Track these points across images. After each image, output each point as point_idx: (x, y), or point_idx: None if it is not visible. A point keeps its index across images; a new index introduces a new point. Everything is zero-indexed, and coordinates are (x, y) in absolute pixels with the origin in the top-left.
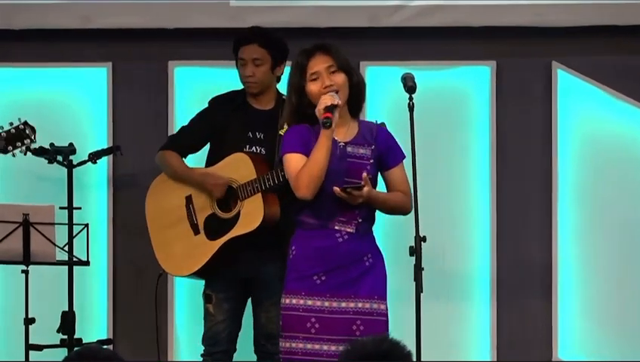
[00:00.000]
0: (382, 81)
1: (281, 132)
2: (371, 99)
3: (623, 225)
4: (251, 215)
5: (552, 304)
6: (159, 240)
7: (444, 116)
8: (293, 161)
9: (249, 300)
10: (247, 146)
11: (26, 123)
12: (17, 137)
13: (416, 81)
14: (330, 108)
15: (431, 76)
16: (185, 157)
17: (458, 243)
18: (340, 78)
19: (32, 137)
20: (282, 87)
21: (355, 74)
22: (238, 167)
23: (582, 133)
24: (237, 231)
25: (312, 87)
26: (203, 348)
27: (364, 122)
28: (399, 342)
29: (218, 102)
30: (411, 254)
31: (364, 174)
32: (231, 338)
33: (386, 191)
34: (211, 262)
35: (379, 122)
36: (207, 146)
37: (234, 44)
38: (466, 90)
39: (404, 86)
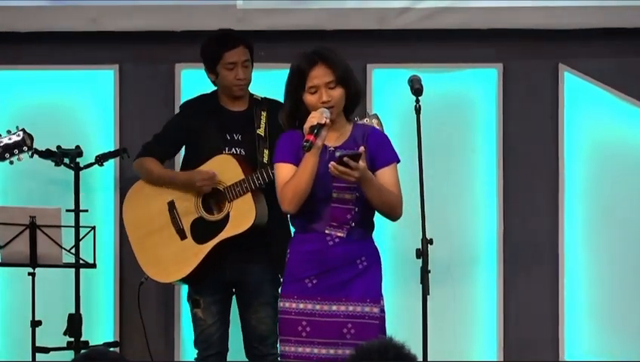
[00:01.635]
0: (389, 83)
1: (259, 131)
2: (378, 101)
3: (630, 226)
4: (242, 215)
5: (559, 304)
6: (142, 248)
7: (451, 118)
8: (282, 171)
9: (234, 299)
10: (227, 148)
11: (24, 130)
12: (15, 145)
13: (423, 83)
14: (315, 129)
15: (438, 79)
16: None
17: (465, 245)
18: (338, 93)
19: (30, 144)
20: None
21: (354, 85)
22: (224, 169)
23: (589, 136)
24: (228, 232)
25: (310, 99)
26: (196, 351)
27: (359, 126)
28: (404, 347)
29: (191, 106)
30: (418, 256)
31: (362, 148)
32: (223, 340)
33: None
34: (200, 266)
35: (371, 114)
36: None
37: (214, 49)
38: (473, 92)
39: (411, 88)
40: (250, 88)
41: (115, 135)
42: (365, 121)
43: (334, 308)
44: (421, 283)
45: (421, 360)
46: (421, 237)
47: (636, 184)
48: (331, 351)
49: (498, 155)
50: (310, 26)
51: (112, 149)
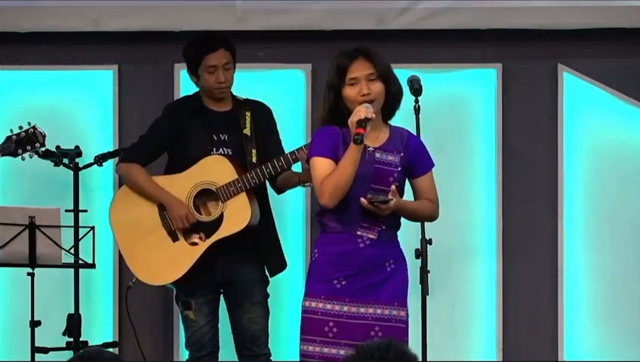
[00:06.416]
0: None
1: (245, 131)
2: None
3: (629, 227)
4: (238, 214)
5: (559, 304)
6: (132, 252)
7: (450, 118)
8: (320, 166)
9: (221, 298)
10: (214, 149)
11: (35, 127)
12: (27, 141)
13: (422, 83)
14: (363, 123)
15: (437, 79)
16: (146, 166)
17: (464, 246)
18: (378, 87)
19: (42, 141)
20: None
21: (394, 82)
22: (216, 169)
23: (588, 136)
24: (223, 232)
25: (349, 92)
26: (187, 352)
27: (396, 128)
28: (404, 346)
29: (176, 108)
30: (417, 257)
31: (393, 187)
32: (214, 340)
33: (413, 198)
34: (193, 268)
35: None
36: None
37: (195, 52)
38: (472, 92)
39: (411, 88)
40: (250, 89)
41: (114, 135)
42: None
43: (362, 310)
44: (420, 283)
45: (421, 360)
46: (420, 237)
47: (636, 184)
48: None
49: (497, 155)
50: (309, 26)
51: (111, 150)
